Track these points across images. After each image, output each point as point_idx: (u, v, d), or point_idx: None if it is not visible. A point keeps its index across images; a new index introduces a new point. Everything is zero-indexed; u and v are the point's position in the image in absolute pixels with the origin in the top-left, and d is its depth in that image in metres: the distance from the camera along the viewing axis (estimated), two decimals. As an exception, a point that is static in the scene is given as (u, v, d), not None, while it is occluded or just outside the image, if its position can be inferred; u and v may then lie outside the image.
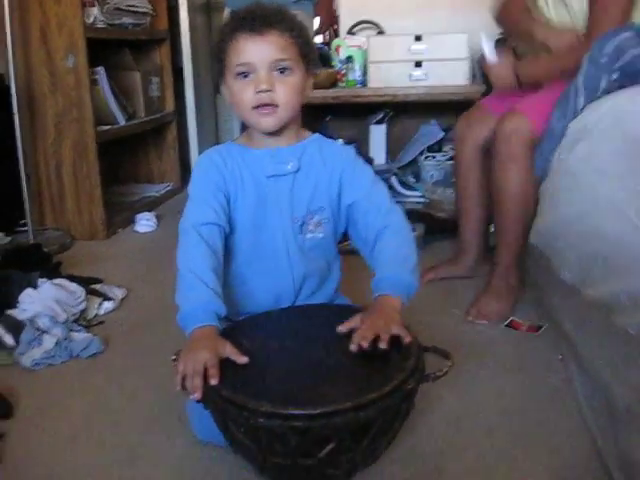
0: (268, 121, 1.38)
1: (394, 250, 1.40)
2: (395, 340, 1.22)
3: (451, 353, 1.28)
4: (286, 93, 1.36)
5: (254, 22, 1.34)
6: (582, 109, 1.71)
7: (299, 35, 1.38)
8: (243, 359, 1.20)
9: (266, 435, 1.10)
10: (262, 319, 1.42)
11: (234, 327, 1.37)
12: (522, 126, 1.88)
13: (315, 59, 1.46)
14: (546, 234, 1.58)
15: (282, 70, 1.36)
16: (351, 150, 1.55)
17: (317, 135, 1.52)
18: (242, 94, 1.37)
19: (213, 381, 1.14)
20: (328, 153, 1.49)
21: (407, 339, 1.22)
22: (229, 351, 1.21)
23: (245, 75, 1.36)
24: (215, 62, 1.43)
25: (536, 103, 1.92)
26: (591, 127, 1.49)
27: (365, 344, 1.20)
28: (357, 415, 1.07)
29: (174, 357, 1.24)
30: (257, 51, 1.34)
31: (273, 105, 1.36)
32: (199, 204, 1.40)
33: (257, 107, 1.37)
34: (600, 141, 1.40)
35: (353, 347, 1.21)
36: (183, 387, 1.17)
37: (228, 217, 1.42)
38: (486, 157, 2.25)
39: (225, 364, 1.19)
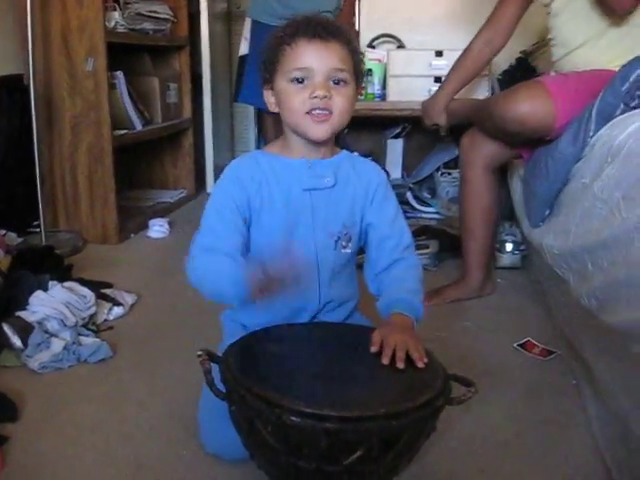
0: (322, 127, 1.34)
1: (410, 281, 1.43)
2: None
3: (474, 381, 1.25)
4: (342, 102, 1.33)
5: (317, 28, 1.32)
6: (592, 136, 1.69)
7: (355, 50, 1.37)
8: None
9: (295, 435, 1.08)
10: (286, 329, 1.41)
11: (259, 333, 1.35)
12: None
13: (362, 76, 1.44)
14: (568, 258, 1.56)
15: (337, 81, 1.33)
16: (382, 171, 1.54)
17: (346, 151, 1.50)
18: (294, 99, 1.33)
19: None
20: (362, 170, 1.48)
21: (426, 360, 1.22)
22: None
23: (300, 81, 1.33)
24: (265, 67, 1.40)
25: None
26: (615, 151, 1.46)
27: (402, 365, 1.19)
28: (390, 423, 1.06)
29: (199, 353, 1.22)
30: (318, 57, 1.31)
31: (329, 112, 1.33)
32: (216, 228, 1.36)
33: (310, 112, 1.33)
34: (626, 165, 1.37)
35: (385, 360, 1.21)
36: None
37: (246, 238, 1.38)
38: (494, 177, 2.25)
39: (254, 365, 1.20)
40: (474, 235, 2.29)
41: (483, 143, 2.19)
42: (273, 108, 1.42)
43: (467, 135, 2.27)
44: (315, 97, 1.31)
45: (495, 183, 2.28)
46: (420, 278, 1.46)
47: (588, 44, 1.98)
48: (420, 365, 1.20)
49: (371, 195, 1.46)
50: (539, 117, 1.84)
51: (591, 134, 1.70)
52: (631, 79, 1.66)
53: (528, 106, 1.85)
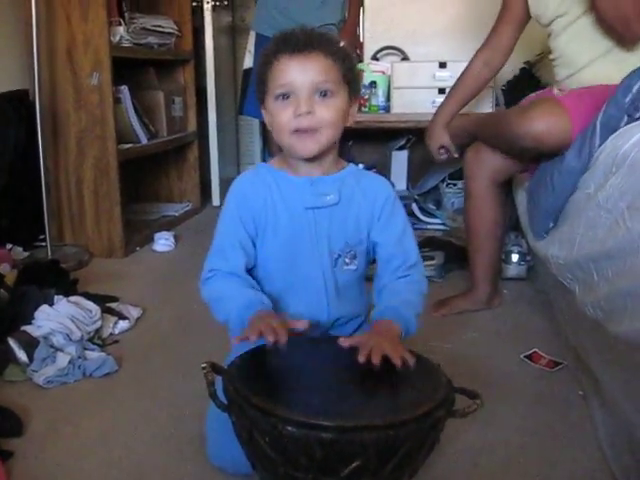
0: (307, 145, 1.33)
1: (406, 295, 1.40)
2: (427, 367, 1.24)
3: (479, 393, 1.23)
4: (327, 116, 1.32)
5: (297, 43, 1.31)
6: (597, 149, 1.69)
7: (343, 60, 1.35)
8: (303, 323, 1.25)
9: (292, 445, 1.07)
10: (293, 342, 1.39)
11: (260, 349, 1.35)
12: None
13: (359, 85, 1.43)
14: (573, 268, 1.55)
15: (324, 93, 1.31)
16: (390, 185, 1.51)
17: (353, 165, 1.48)
18: (280, 117, 1.33)
19: (283, 339, 1.19)
20: (368, 186, 1.45)
21: (412, 361, 1.20)
22: (291, 322, 1.25)
23: (285, 97, 1.32)
24: (257, 87, 1.39)
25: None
26: (620, 161, 1.46)
27: (377, 360, 1.18)
28: (387, 434, 1.05)
29: (204, 365, 1.22)
30: (298, 72, 1.30)
31: (313, 129, 1.32)
32: (226, 251, 1.38)
33: (296, 132, 1.32)
34: (631, 175, 1.37)
35: (361, 358, 1.19)
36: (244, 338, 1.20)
37: (253, 256, 1.40)
38: (499, 190, 2.24)
39: (256, 377, 1.20)
40: (481, 249, 2.28)
41: (488, 157, 2.18)
42: (270, 127, 1.42)
43: (471, 149, 2.26)
44: (299, 115, 1.30)
45: (501, 197, 2.27)
46: (421, 293, 1.43)
47: (595, 63, 1.97)
48: (397, 363, 1.18)
49: (378, 212, 1.44)
50: (556, 135, 1.81)
51: (596, 147, 1.69)
52: (634, 90, 1.66)
53: (545, 124, 1.82)
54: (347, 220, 1.42)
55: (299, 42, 1.31)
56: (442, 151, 2.40)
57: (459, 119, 2.35)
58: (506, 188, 2.32)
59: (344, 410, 1.11)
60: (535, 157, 1.97)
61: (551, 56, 2.14)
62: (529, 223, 2.05)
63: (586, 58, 1.98)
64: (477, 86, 2.34)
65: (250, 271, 1.41)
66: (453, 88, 2.37)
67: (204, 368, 1.21)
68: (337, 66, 1.34)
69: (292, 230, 1.39)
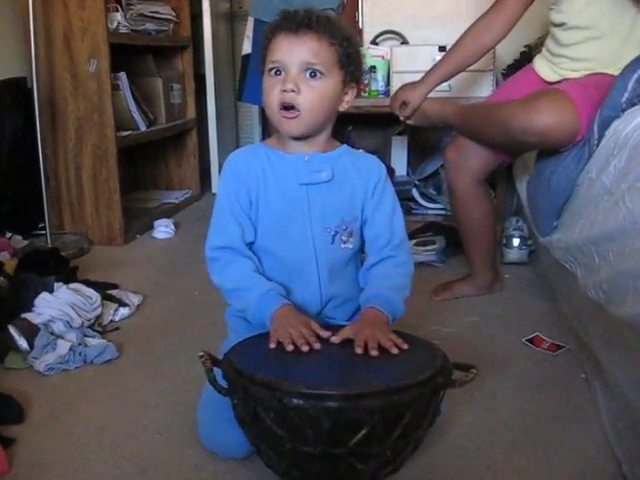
0: (291, 125, 1.36)
1: (392, 278, 1.43)
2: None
3: (474, 364, 1.25)
4: (311, 98, 1.34)
5: (294, 22, 1.33)
6: (595, 150, 1.67)
7: (341, 44, 1.36)
8: (327, 334, 1.27)
9: (298, 418, 1.08)
10: None
11: (261, 335, 1.35)
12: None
13: (358, 72, 1.43)
14: (575, 251, 1.54)
15: (313, 73, 1.33)
16: (382, 164, 1.53)
17: (346, 146, 1.50)
18: (270, 91, 1.36)
19: (316, 346, 1.22)
20: (362, 164, 1.48)
21: (405, 346, 1.24)
22: (315, 326, 1.28)
23: (277, 72, 1.35)
24: (261, 61, 1.42)
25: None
26: (622, 144, 1.45)
27: (375, 353, 1.21)
28: (391, 399, 1.07)
29: (201, 354, 1.23)
30: (290, 50, 1.33)
31: (296, 109, 1.34)
32: (223, 226, 1.42)
33: (282, 109, 1.34)
34: (633, 158, 1.36)
35: (359, 350, 1.22)
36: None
37: (254, 229, 1.43)
38: (483, 187, 2.20)
39: (255, 359, 1.22)
40: (474, 242, 2.26)
41: (469, 156, 2.14)
42: (265, 105, 1.42)
43: (450, 148, 2.20)
44: (284, 91, 1.33)
45: (485, 192, 2.25)
46: (408, 275, 1.46)
47: (615, 35, 1.85)
48: (394, 351, 1.22)
49: (371, 190, 1.46)
50: (564, 129, 1.74)
51: (594, 148, 1.67)
52: (629, 88, 1.63)
53: (554, 118, 1.74)
54: (342, 196, 1.43)
55: (297, 21, 1.33)
56: (403, 107, 2.25)
57: (440, 105, 2.22)
58: (488, 179, 2.29)
59: (347, 380, 1.15)
60: (530, 150, 1.95)
61: (558, 20, 1.95)
62: (533, 224, 2.03)
63: (606, 26, 1.85)
64: (475, 51, 2.19)
65: (251, 245, 1.43)
66: (450, 51, 2.23)
67: (201, 357, 1.23)
68: (332, 49, 1.35)
69: (284, 206, 1.41)
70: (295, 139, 1.40)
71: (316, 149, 1.43)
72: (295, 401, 1.06)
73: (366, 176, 1.46)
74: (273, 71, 1.35)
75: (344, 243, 1.44)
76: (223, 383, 1.21)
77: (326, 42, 1.34)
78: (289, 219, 1.41)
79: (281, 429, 1.10)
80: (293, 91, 1.32)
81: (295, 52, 1.33)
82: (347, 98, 1.43)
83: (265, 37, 1.39)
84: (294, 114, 1.34)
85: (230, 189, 1.42)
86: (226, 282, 1.40)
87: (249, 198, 1.41)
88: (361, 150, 1.62)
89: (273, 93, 1.35)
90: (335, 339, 1.27)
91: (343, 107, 1.43)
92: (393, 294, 1.39)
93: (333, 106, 1.40)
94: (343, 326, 1.36)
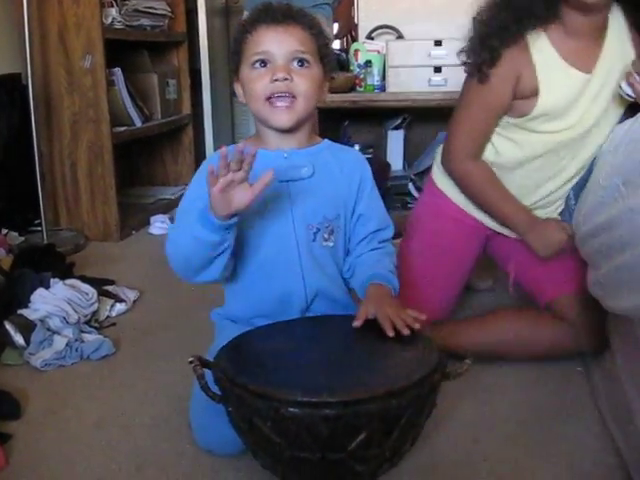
0: (283, 115, 1.33)
1: (386, 262, 1.45)
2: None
3: (468, 354, 1.26)
4: (305, 84, 1.32)
5: (276, 13, 1.33)
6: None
7: (318, 35, 1.37)
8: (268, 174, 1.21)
9: (295, 427, 1.07)
10: (274, 326, 1.39)
11: (248, 334, 1.34)
12: None
13: (333, 63, 1.44)
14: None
15: (301, 62, 1.33)
16: (364, 157, 1.53)
17: (327, 140, 1.48)
18: (256, 84, 1.33)
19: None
20: (345, 159, 1.46)
21: (419, 323, 1.26)
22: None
23: (262, 64, 1.33)
24: (232, 58, 1.40)
25: None
26: (619, 141, 1.45)
27: (406, 331, 1.23)
28: (390, 402, 1.06)
29: (191, 359, 1.22)
30: (277, 41, 1.32)
31: (291, 96, 1.32)
32: (183, 214, 1.38)
33: (271, 98, 1.32)
34: (629, 153, 1.36)
35: (391, 333, 1.23)
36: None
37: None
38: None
39: (247, 365, 1.20)
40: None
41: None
42: (241, 99, 1.42)
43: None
44: (276, 80, 1.30)
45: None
46: (395, 265, 1.48)
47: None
48: (417, 327, 1.24)
49: (356, 186, 1.45)
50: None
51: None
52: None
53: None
54: (324, 193, 1.41)
55: (278, 14, 1.33)
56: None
57: None
58: None
59: (343, 385, 1.12)
60: None
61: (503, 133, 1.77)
62: None
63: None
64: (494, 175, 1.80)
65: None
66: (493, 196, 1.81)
67: (191, 362, 1.22)
68: (313, 39, 1.36)
69: (265, 204, 1.36)
70: (282, 132, 1.37)
71: (297, 145, 1.40)
72: (292, 410, 1.05)
73: (349, 171, 1.45)
74: (258, 63, 1.33)
75: (325, 241, 1.42)
76: (215, 388, 1.20)
77: (309, 33, 1.35)
78: (271, 216, 1.38)
79: (278, 437, 1.09)
80: (286, 79, 1.30)
81: (283, 42, 1.31)
82: (325, 88, 1.43)
83: (242, 31, 1.36)
84: (288, 102, 1.32)
85: (202, 187, 1.27)
86: (170, 240, 1.40)
87: None
88: (357, 145, 1.61)
89: (260, 85, 1.32)
90: (357, 323, 1.27)
91: (323, 99, 1.43)
92: (393, 277, 1.41)
93: (319, 96, 1.39)
94: (333, 317, 1.37)
